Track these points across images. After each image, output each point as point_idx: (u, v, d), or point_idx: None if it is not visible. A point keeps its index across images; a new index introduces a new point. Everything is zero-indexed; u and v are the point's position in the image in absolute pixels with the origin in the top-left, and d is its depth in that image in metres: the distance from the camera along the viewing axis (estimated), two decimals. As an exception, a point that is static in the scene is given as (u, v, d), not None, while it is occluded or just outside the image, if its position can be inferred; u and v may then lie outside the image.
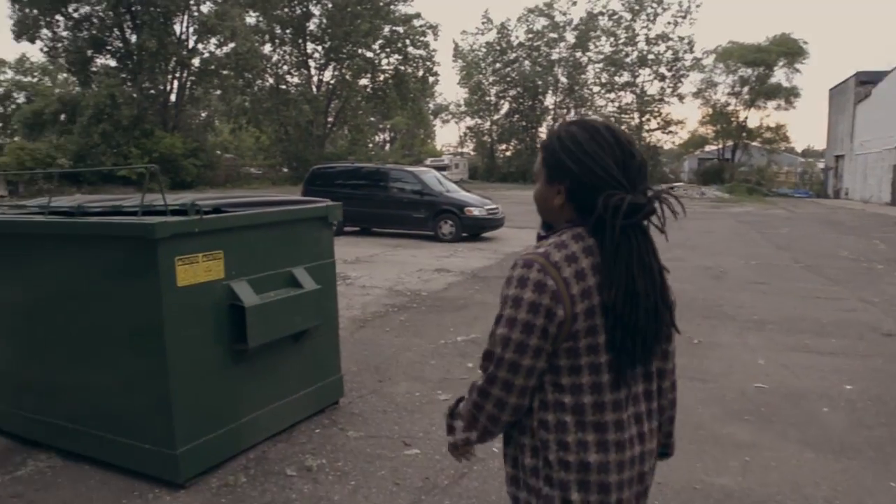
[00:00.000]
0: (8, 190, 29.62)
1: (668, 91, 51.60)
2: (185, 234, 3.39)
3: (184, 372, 3.46)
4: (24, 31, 35.35)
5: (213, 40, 39.37)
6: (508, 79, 55.45)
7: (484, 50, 56.12)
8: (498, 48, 55.23)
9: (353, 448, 4.05)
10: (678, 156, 57.12)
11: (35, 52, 68.82)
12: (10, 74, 48.07)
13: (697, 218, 21.45)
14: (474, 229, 15.35)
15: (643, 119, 52.48)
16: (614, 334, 1.43)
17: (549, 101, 56.30)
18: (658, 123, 52.61)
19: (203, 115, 45.02)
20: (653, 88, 53.08)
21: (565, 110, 55.53)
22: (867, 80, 36.08)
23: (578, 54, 53.56)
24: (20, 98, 46.76)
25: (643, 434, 1.54)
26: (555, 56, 54.29)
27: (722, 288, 9.39)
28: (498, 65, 55.61)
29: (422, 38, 46.46)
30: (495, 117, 57.83)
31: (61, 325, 3.86)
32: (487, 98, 57.36)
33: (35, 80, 48.53)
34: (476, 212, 15.19)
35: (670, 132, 55.34)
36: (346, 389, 4.86)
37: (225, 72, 39.92)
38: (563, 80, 54.84)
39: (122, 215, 3.75)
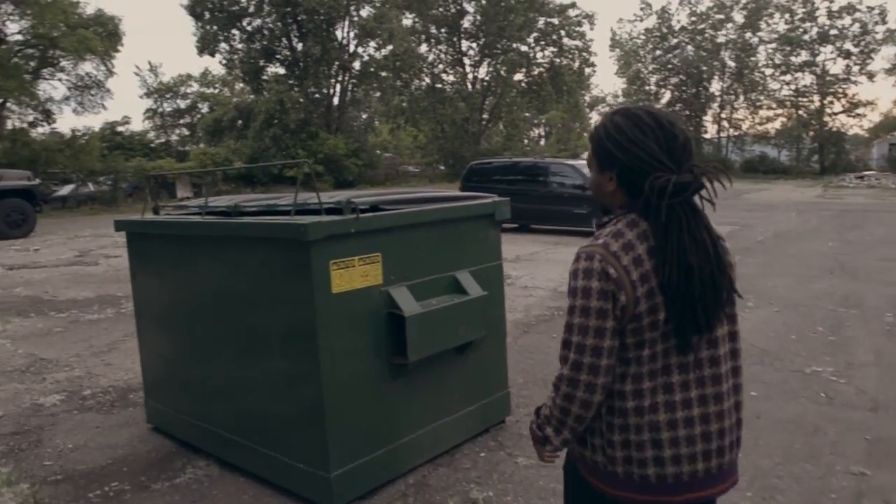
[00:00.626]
0: (193, 192, 32.40)
1: (855, 69, 46.42)
2: (341, 235, 3.05)
3: (338, 387, 3.13)
4: (205, 46, 38.41)
5: (372, 43, 40.58)
6: (670, 66, 52.41)
7: (643, 37, 53.45)
8: (658, 34, 52.36)
9: (522, 479, 3.54)
10: (866, 141, 51.19)
11: (215, 65, 75.28)
12: (195, 87, 52.70)
13: (899, 210, 18.84)
14: (639, 225, 14.32)
15: (824, 101, 47.58)
16: (674, 307, 1.49)
17: (715, 87, 51.80)
18: (843, 106, 47.37)
19: (364, 116, 46.68)
20: (836, 67, 47.83)
21: (733, 96, 51.58)
22: None
23: (748, 35, 49.56)
24: (204, 108, 51.11)
25: (719, 395, 1.57)
26: (721, 39, 50.57)
27: (952, 294, 7.86)
28: (658, 52, 52.72)
29: (577, 29, 45.01)
30: (656, 107, 54.88)
31: (218, 328, 3.70)
32: (647, 87, 54.55)
33: (216, 91, 52.87)
34: (642, 206, 14.17)
35: (857, 115, 49.22)
36: (513, 406, 4.35)
37: (384, 73, 41.03)
38: (731, 63, 50.98)
39: (276, 215, 3.50)
